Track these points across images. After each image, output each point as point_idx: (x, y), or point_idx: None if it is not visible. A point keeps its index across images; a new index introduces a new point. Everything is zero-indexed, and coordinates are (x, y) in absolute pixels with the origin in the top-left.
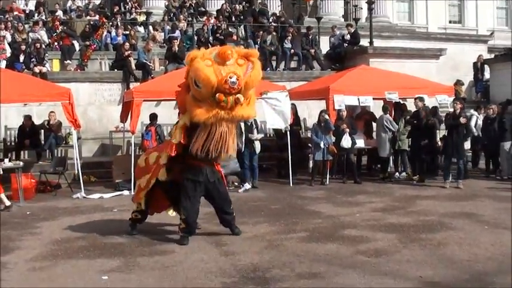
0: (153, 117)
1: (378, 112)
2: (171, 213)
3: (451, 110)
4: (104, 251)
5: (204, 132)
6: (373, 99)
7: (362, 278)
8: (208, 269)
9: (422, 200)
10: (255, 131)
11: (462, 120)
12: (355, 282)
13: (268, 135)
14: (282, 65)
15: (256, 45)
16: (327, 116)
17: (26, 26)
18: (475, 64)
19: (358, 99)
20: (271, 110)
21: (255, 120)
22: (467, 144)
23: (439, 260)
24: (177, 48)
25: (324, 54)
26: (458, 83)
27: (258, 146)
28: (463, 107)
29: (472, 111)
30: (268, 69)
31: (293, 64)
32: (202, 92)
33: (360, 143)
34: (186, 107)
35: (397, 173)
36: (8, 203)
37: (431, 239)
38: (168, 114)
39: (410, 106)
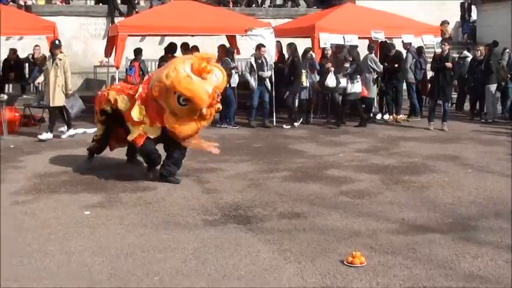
0: (138, 52)
1: (363, 52)
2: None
3: (438, 50)
4: (87, 186)
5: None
6: (359, 38)
7: (344, 219)
8: (190, 206)
9: (406, 141)
10: (265, 68)
11: (448, 64)
12: (337, 222)
13: None
14: (268, 2)
15: None
16: (313, 54)
17: None
18: (462, 4)
19: (344, 37)
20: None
21: (264, 57)
22: None
23: (422, 202)
24: None
25: None
26: (444, 23)
27: (268, 83)
28: (450, 49)
29: (465, 52)
30: (254, 5)
31: (278, 1)
32: (188, 109)
33: (344, 82)
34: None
35: (379, 114)
36: None
37: (414, 181)
38: (153, 50)
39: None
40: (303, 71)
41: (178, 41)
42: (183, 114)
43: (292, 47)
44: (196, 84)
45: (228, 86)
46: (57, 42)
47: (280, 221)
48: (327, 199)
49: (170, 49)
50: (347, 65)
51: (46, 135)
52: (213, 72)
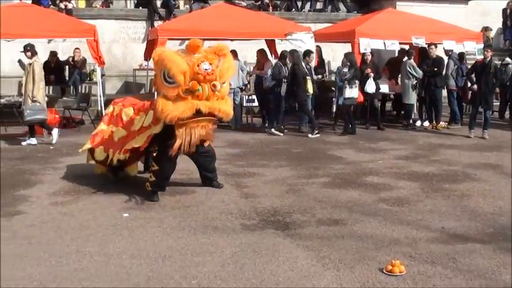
0: None
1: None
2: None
3: (479, 57)
4: (125, 189)
5: (180, 137)
6: (399, 43)
7: (383, 227)
8: (228, 210)
9: (446, 149)
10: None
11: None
12: (376, 230)
13: None
14: (308, 6)
15: None
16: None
17: None
18: (504, 11)
19: (384, 43)
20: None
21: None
22: None
23: (463, 211)
24: None
25: None
26: (487, 29)
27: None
28: (492, 55)
29: (507, 59)
30: (294, 10)
31: (319, 5)
32: (175, 83)
33: (384, 88)
34: (156, 111)
35: (419, 121)
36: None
37: (454, 189)
38: None
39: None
40: (308, 78)
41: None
42: (173, 97)
43: (293, 54)
44: (171, 53)
45: (277, 90)
46: (27, 46)
47: (318, 228)
48: (366, 206)
49: None
50: (345, 69)
51: (29, 141)
52: (217, 59)
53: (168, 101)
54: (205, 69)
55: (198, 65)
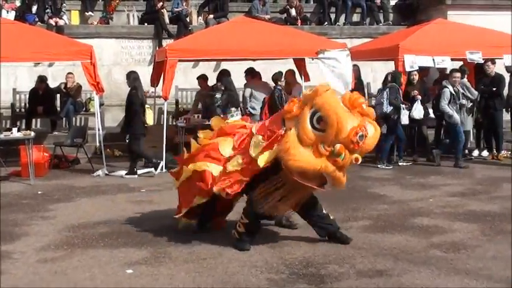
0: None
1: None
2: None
3: None
4: (129, 240)
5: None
6: (452, 60)
7: (437, 277)
8: (252, 263)
9: (509, 183)
10: None
11: None
12: (428, 281)
13: None
14: (342, 18)
15: None
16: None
17: None
18: None
19: (433, 59)
20: (329, 73)
21: None
22: None
23: None
24: None
25: (392, 6)
26: None
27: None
28: None
29: None
30: (326, 23)
31: (355, 17)
32: (322, 136)
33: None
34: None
35: (476, 150)
36: None
37: None
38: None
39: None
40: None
41: (237, 66)
42: (308, 144)
43: (130, 76)
44: (341, 108)
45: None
46: None
47: (359, 280)
48: (415, 253)
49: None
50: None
51: None
52: (366, 120)
53: (299, 144)
54: (360, 138)
55: (355, 133)
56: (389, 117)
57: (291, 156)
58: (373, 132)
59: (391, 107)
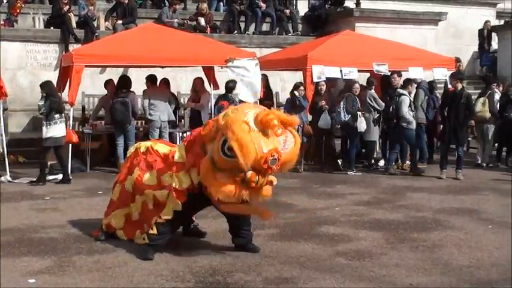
0: (230, 87)
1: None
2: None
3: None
4: (32, 248)
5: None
6: (359, 71)
7: (341, 284)
8: (158, 272)
9: (414, 192)
10: None
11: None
12: None
13: None
14: (252, 28)
15: (221, 3)
16: (297, 93)
17: None
18: (480, 32)
19: (341, 70)
20: (238, 81)
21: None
22: None
23: (434, 264)
24: (126, 1)
25: (301, 17)
26: (458, 60)
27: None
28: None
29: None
30: (236, 32)
31: (265, 27)
32: (230, 163)
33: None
34: (201, 171)
35: (382, 160)
36: None
37: (424, 239)
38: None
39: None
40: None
41: (146, 73)
42: (224, 169)
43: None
44: (248, 134)
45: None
46: None
47: None
48: (321, 261)
49: (124, 83)
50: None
51: None
52: (284, 134)
53: (215, 171)
54: (272, 163)
55: (265, 160)
56: (348, 125)
57: (207, 183)
58: (292, 144)
59: (349, 115)
